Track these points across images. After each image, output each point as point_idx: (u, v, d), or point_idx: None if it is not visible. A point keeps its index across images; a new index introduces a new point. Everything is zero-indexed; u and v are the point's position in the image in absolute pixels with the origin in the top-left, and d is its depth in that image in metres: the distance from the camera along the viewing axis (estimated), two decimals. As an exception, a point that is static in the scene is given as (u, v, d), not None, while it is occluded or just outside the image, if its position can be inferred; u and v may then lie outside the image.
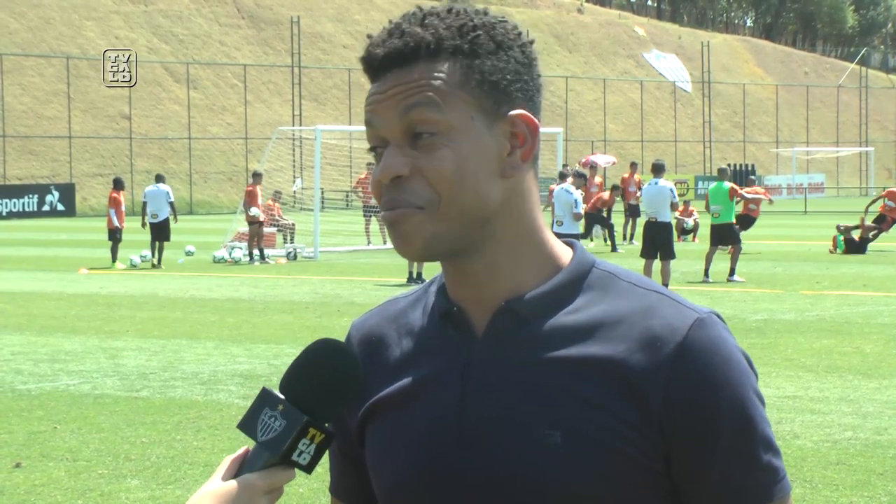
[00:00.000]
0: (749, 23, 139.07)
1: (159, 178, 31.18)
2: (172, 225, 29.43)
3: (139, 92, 66.38)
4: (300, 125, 63.74)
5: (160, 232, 28.80)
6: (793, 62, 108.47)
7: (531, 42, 1.89)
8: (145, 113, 66.88)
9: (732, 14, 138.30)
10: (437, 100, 1.80)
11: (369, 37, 1.87)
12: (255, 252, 30.00)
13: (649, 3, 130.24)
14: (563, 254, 1.89)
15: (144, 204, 29.78)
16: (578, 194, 21.21)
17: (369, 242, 33.83)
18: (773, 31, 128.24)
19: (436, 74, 1.81)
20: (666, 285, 20.53)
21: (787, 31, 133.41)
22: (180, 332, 16.69)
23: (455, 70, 1.81)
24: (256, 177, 31.25)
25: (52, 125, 63.31)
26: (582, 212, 21.26)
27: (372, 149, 1.87)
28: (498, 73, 1.82)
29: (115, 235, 29.00)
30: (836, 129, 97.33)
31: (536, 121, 1.85)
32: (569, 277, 1.86)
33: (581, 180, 21.88)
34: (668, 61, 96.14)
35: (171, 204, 29.53)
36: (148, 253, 29.20)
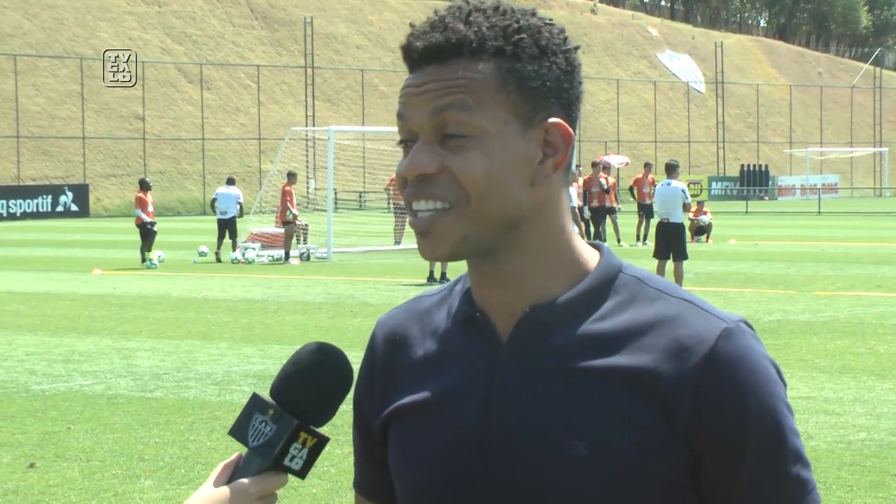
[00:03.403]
0: (762, 23, 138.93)
1: (230, 182, 33.76)
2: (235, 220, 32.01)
3: (152, 93, 66.53)
4: (313, 126, 63.80)
5: (228, 227, 31.37)
6: (806, 62, 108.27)
7: (576, 48, 1.84)
8: (159, 114, 66.97)
9: (746, 14, 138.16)
10: (470, 103, 1.76)
11: (412, 25, 1.83)
12: (292, 252, 30.64)
13: (662, 3, 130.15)
14: (590, 258, 1.86)
15: (214, 200, 32.67)
16: (571, 190, 21.27)
17: (398, 242, 33.74)
18: (786, 31, 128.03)
19: (474, 75, 1.77)
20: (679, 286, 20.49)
21: (801, 32, 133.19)
22: (194, 333, 16.71)
23: (495, 72, 1.77)
24: (291, 177, 31.58)
25: (65, 126, 63.44)
26: (576, 205, 21.25)
27: (402, 142, 1.82)
28: (538, 80, 1.78)
29: (144, 228, 29.17)
30: (850, 129, 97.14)
31: (572, 131, 1.81)
32: (595, 283, 1.83)
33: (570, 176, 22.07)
34: (682, 62, 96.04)
35: (240, 204, 32.30)
36: (163, 253, 29.42)
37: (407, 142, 1.81)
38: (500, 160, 1.77)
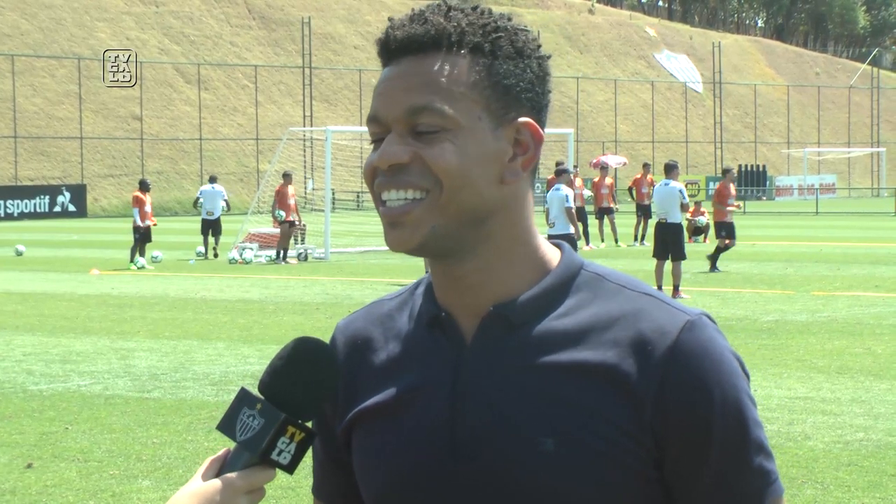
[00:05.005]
0: (760, 23, 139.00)
1: (213, 179, 34.71)
2: (223, 217, 32.94)
3: (150, 93, 66.52)
4: (311, 126, 63.79)
5: (215, 227, 32.08)
6: (804, 63, 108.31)
7: (548, 57, 1.88)
8: (156, 114, 66.97)
9: (743, 14, 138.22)
10: (446, 101, 1.78)
11: (390, 19, 1.86)
12: (290, 252, 30.75)
13: (660, 3, 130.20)
14: (552, 256, 1.87)
15: (198, 199, 33.91)
16: (569, 191, 21.20)
17: None
18: (784, 31, 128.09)
19: (451, 70, 1.79)
20: (677, 286, 20.51)
21: (799, 32, 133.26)
22: (191, 333, 16.71)
23: (471, 67, 1.80)
24: (286, 177, 31.47)
25: (63, 126, 63.43)
26: (573, 205, 21.21)
27: (376, 141, 1.84)
28: (512, 78, 1.81)
29: (135, 234, 28.90)
30: (847, 129, 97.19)
31: (542, 131, 1.84)
32: (557, 280, 1.84)
33: (566, 176, 21.88)
34: (679, 62, 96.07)
35: (226, 201, 33.33)
36: (160, 254, 29.37)
37: (381, 140, 1.83)
38: (472, 153, 1.79)
